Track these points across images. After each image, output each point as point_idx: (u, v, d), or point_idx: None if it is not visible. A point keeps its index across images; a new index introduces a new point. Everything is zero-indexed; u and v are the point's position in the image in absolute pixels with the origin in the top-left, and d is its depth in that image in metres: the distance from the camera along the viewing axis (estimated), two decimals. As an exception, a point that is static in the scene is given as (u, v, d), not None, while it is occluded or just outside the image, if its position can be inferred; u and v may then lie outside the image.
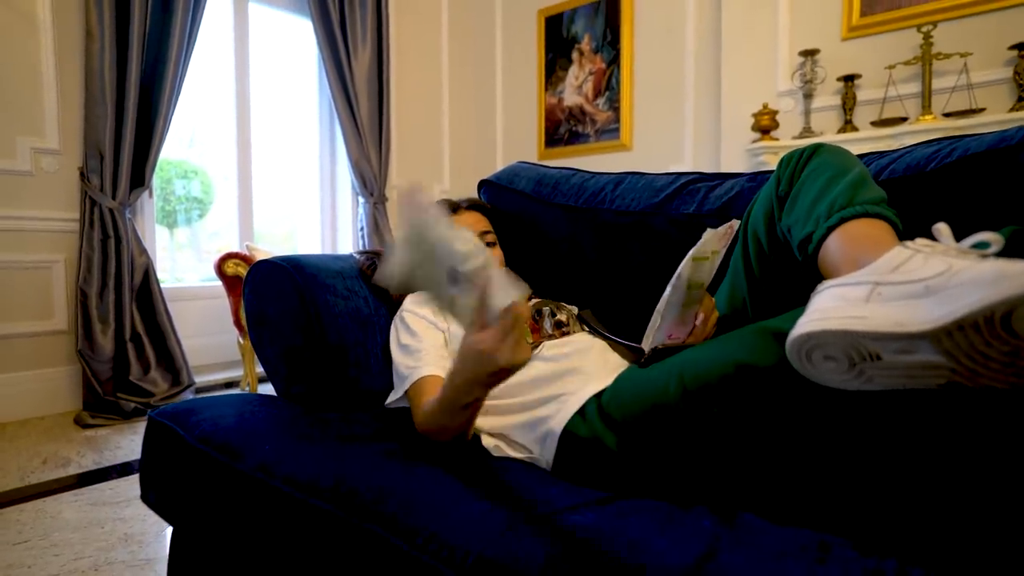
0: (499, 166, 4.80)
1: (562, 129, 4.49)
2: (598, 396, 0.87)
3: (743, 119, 3.56)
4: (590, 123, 4.34)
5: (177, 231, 3.71)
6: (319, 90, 4.08)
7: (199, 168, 3.76)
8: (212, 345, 3.43)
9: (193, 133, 3.71)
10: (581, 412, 0.87)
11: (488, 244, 1.25)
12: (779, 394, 0.66)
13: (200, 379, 3.19)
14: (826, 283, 0.65)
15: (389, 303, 1.25)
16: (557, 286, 1.40)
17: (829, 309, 0.59)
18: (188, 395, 2.92)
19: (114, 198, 2.79)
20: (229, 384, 3.34)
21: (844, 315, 0.57)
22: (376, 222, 4.11)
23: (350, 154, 3.95)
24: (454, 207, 1.28)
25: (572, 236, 1.38)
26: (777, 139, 3.39)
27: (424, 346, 1.07)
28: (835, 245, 0.76)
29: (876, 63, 3.17)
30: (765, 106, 3.39)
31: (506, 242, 1.35)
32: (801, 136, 3.31)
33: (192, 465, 0.89)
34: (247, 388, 3.05)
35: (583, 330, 1.14)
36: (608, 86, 4.23)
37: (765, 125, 3.38)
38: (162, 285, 3.05)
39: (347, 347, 1.16)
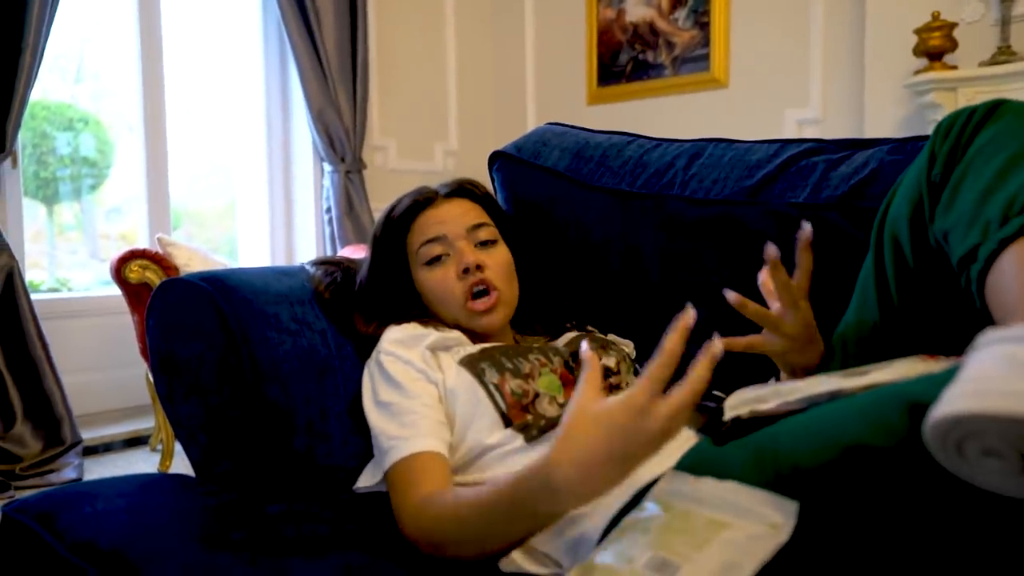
0: (530, 115, 4.82)
1: (623, 57, 4.48)
2: (653, 484, 0.87)
3: (900, 37, 3.51)
4: (665, 47, 4.32)
5: (59, 208, 3.77)
6: (263, 6, 4.14)
7: (91, 115, 3.81)
8: (109, 383, 3.50)
9: (80, 63, 3.75)
10: (628, 509, 0.87)
11: (483, 243, 1.25)
12: (898, 488, 0.66)
13: (90, 434, 3.25)
14: (994, 332, 0.64)
15: (358, 340, 1.27)
16: (603, 309, 1.41)
17: (993, 378, 0.59)
18: (72, 459, 2.99)
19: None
20: (133, 441, 3.39)
21: (1017, 389, 0.57)
22: (350, 199, 4.15)
23: (309, 101, 4.00)
24: (425, 200, 1.28)
25: (625, 235, 1.38)
26: (955, 67, 3.34)
27: (414, 405, 1.09)
28: (1012, 269, 0.76)
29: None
30: (936, 16, 3.33)
31: (528, 244, 1.36)
32: (994, 61, 3.25)
33: (65, 587, 0.92)
34: (160, 446, 3.11)
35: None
36: (692, -8, 4.22)
37: (936, 46, 3.32)
38: (34, 295, 3.11)
39: (295, 405, 1.18)
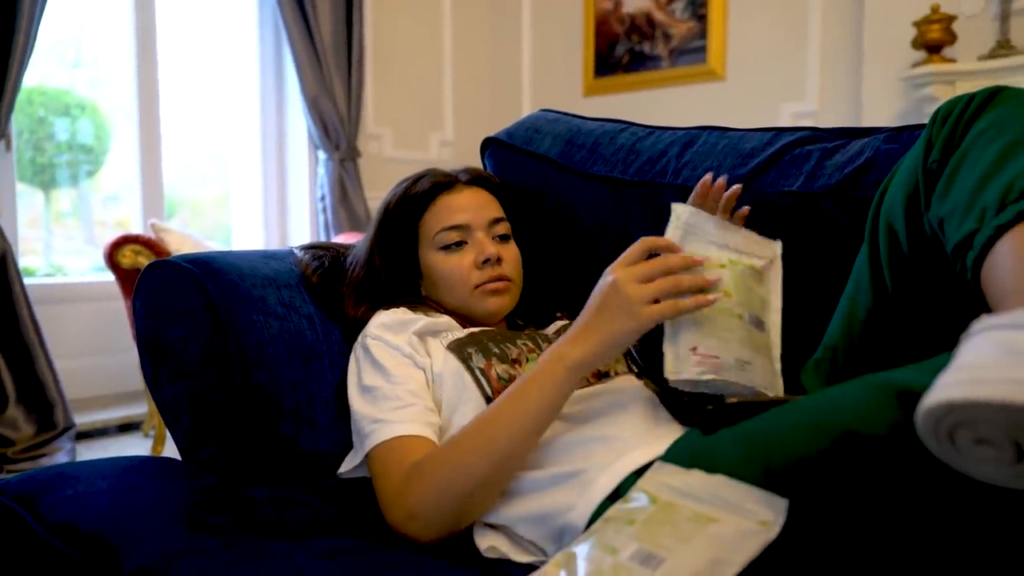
0: (526, 105, 4.81)
1: (620, 49, 4.47)
2: (639, 473, 0.86)
3: (898, 30, 3.52)
4: (662, 39, 4.32)
5: (56, 194, 3.76)
6: (259, -8, 4.12)
7: (88, 102, 3.79)
8: (102, 369, 3.49)
9: (79, 49, 3.74)
10: (614, 498, 0.86)
11: (499, 237, 1.26)
12: (889, 478, 0.65)
13: (83, 419, 3.25)
14: (988, 319, 0.64)
15: (345, 324, 1.26)
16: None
17: (987, 365, 0.58)
18: (64, 444, 2.98)
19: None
20: (126, 427, 3.40)
21: (1011, 376, 0.56)
22: (344, 187, 4.14)
23: (304, 88, 3.99)
24: (446, 182, 1.27)
25: (617, 223, 1.37)
26: (953, 60, 3.34)
27: (399, 391, 1.08)
28: (1008, 256, 0.75)
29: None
30: (935, 9, 3.33)
31: (522, 233, 1.35)
32: (993, 56, 3.25)
33: (42, 569, 0.90)
34: (153, 431, 3.11)
35: (628, 370, 1.13)
36: (690, -17, 4.22)
37: (935, 39, 3.32)
38: (28, 280, 3.11)
39: (281, 390, 1.17)
